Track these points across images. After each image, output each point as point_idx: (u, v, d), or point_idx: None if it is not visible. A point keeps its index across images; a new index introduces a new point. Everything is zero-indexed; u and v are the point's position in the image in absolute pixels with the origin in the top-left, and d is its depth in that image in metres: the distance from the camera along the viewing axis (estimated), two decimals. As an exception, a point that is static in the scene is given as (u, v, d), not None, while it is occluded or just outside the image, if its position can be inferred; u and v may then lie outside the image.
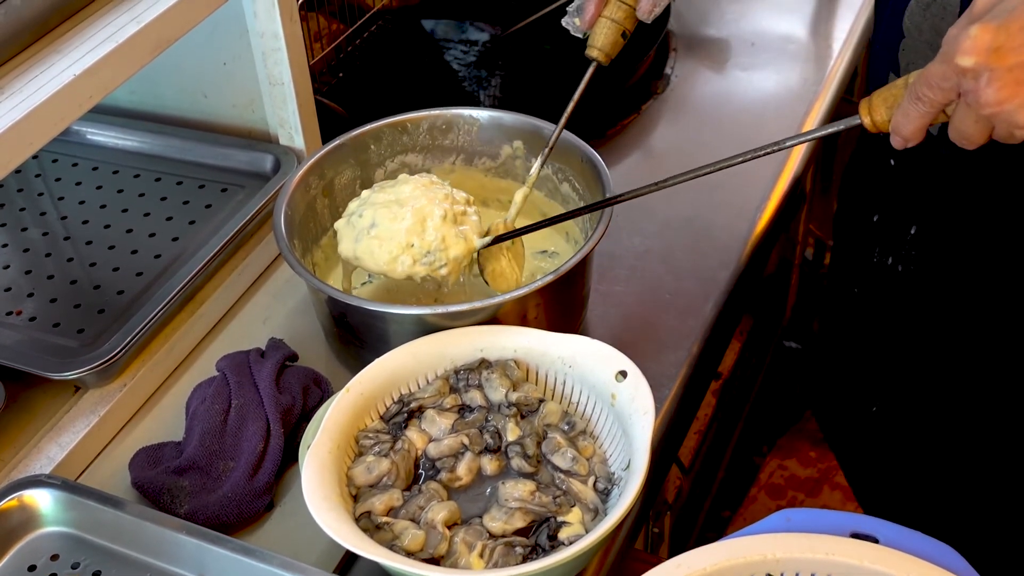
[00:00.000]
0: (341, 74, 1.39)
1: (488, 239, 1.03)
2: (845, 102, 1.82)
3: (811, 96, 1.47)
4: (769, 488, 2.16)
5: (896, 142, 0.82)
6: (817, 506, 2.13)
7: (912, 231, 1.15)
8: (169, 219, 1.17)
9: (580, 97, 1.04)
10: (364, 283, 1.15)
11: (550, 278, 0.96)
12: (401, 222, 1.00)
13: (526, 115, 1.15)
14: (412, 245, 1.00)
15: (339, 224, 1.05)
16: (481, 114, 1.16)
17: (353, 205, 1.05)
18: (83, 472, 0.99)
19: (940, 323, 1.18)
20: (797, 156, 1.38)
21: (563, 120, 1.06)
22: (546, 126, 1.13)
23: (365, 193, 1.05)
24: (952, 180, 1.08)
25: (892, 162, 1.17)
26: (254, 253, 1.17)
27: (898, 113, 0.80)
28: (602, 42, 1.03)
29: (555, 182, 1.15)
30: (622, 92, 1.44)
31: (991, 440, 1.20)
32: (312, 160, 1.10)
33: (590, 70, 1.04)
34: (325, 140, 1.24)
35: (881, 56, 1.10)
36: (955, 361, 1.19)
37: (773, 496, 2.15)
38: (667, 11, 1.52)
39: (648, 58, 1.46)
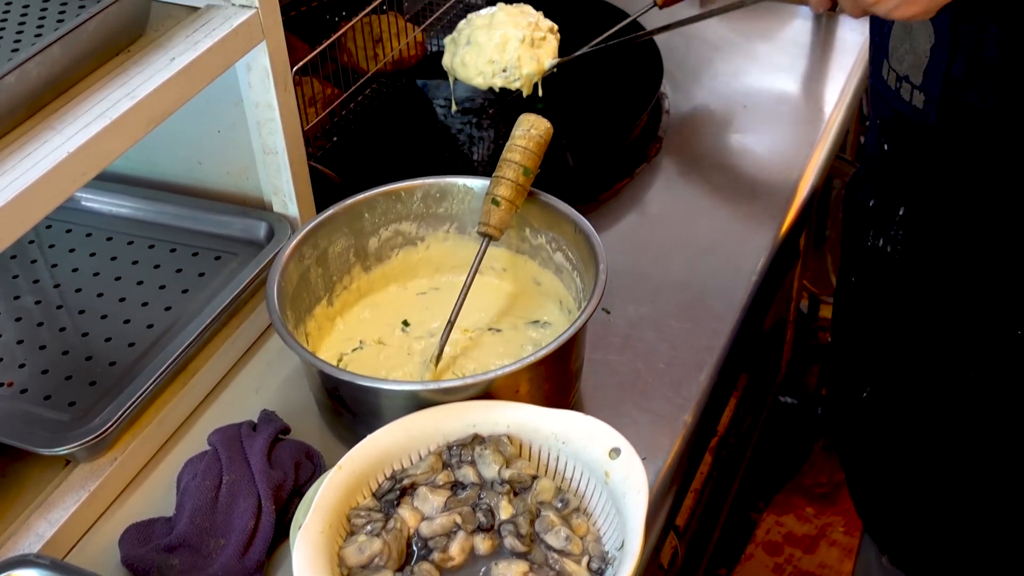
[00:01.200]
0: (335, 138, 1.40)
1: (556, 60, 1.25)
2: (839, 159, 1.84)
3: (804, 159, 1.48)
4: (766, 545, 2.14)
5: (814, 5, 1.02)
6: (815, 563, 2.12)
7: (901, 212, 1.17)
8: (162, 287, 1.17)
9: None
10: (355, 349, 1.15)
11: (543, 353, 0.96)
12: (490, 41, 1.24)
13: (520, 185, 1.15)
14: (494, 61, 1.24)
15: (447, 39, 1.30)
16: (475, 183, 1.16)
17: (461, 24, 1.28)
18: (72, 548, 0.98)
19: (926, 305, 1.19)
20: (792, 215, 1.39)
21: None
22: (539, 194, 1.14)
23: (471, 15, 1.29)
24: (940, 160, 1.10)
25: (885, 147, 1.19)
26: (247, 322, 1.17)
27: None
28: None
29: (548, 251, 1.16)
30: (615, 155, 1.45)
31: (981, 428, 1.20)
32: (305, 230, 1.11)
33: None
34: (319, 206, 1.24)
35: (878, 46, 1.13)
36: (941, 344, 1.20)
37: (770, 553, 2.13)
38: (660, 73, 1.53)
39: (641, 121, 1.47)
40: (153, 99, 0.96)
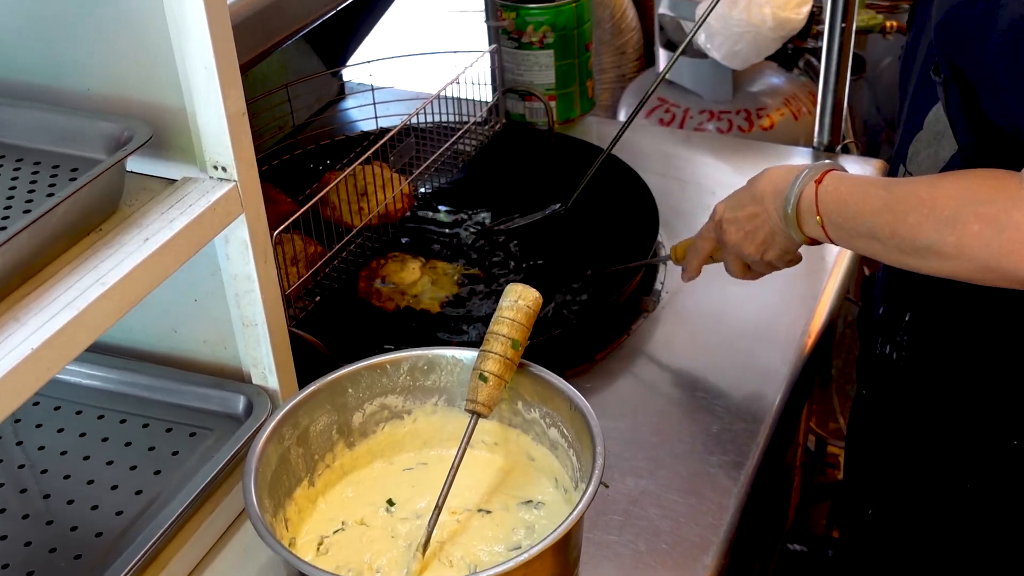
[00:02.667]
0: (318, 297, 1.38)
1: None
2: (847, 301, 1.83)
3: (808, 311, 1.46)
4: None
5: (684, 276, 1.36)
6: None
7: (907, 318, 1.20)
8: (133, 468, 1.14)
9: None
10: (337, 531, 1.11)
11: (536, 551, 0.93)
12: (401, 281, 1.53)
13: (510, 357, 1.14)
14: (407, 303, 1.49)
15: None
16: (464, 354, 1.14)
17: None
18: None
19: (926, 414, 1.21)
20: (798, 370, 1.37)
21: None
22: (530, 366, 1.12)
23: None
24: None
25: None
26: (223, 504, 1.13)
27: (690, 253, 1.34)
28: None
29: (542, 426, 1.13)
30: (610, 312, 1.43)
31: (980, 542, 1.21)
32: (285, 410, 1.08)
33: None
34: (301, 374, 1.22)
35: (896, 153, 1.21)
36: (941, 456, 1.20)
37: None
38: (655, 221, 1.53)
39: (638, 275, 1.46)
40: (125, 285, 0.94)
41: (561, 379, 1.10)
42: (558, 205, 1.60)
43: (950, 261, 0.98)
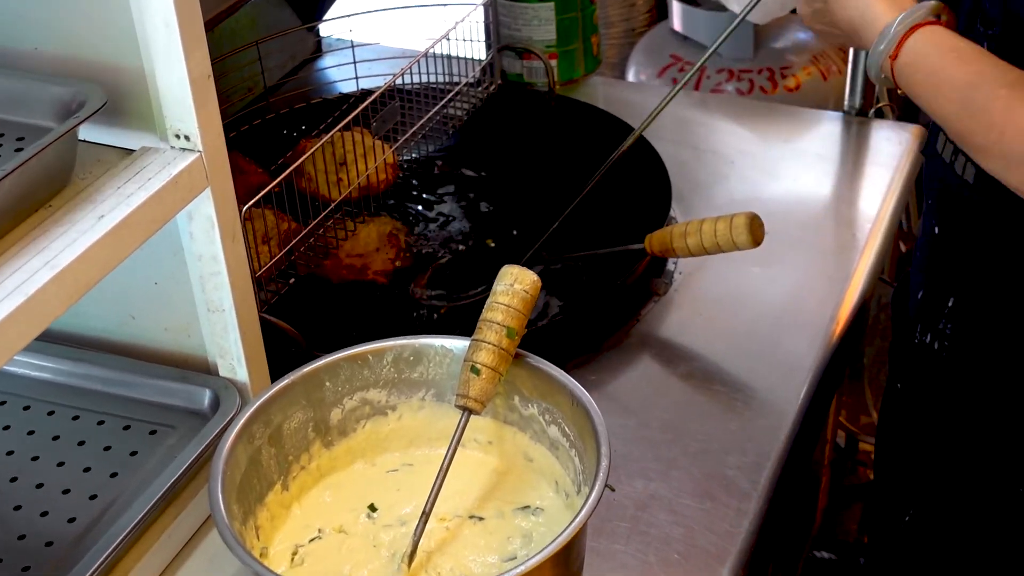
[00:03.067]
0: (292, 280, 1.38)
1: None
2: (882, 281, 1.83)
3: (838, 293, 1.46)
4: None
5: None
6: None
7: (950, 303, 1.21)
8: (87, 470, 1.15)
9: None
10: (313, 539, 1.12)
11: (534, 563, 0.93)
12: None
13: (504, 347, 1.14)
14: None
15: None
16: (454, 343, 1.15)
17: None
18: None
19: (974, 412, 1.22)
20: (826, 360, 1.38)
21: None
22: (528, 357, 1.12)
23: None
24: (992, 243, 1.15)
25: (936, 230, 1.24)
26: (187, 510, 1.14)
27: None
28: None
29: (541, 423, 1.14)
30: (618, 294, 1.44)
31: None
32: (255, 406, 1.08)
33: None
34: (273, 365, 1.22)
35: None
36: (989, 458, 1.22)
37: None
38: (668, 195, 1.53)
39: (646, 255, 1.46)
40: (77, 267, 0.94)
41: (562, 371, 1.10)
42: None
43: (1014, 187, 1.01)
